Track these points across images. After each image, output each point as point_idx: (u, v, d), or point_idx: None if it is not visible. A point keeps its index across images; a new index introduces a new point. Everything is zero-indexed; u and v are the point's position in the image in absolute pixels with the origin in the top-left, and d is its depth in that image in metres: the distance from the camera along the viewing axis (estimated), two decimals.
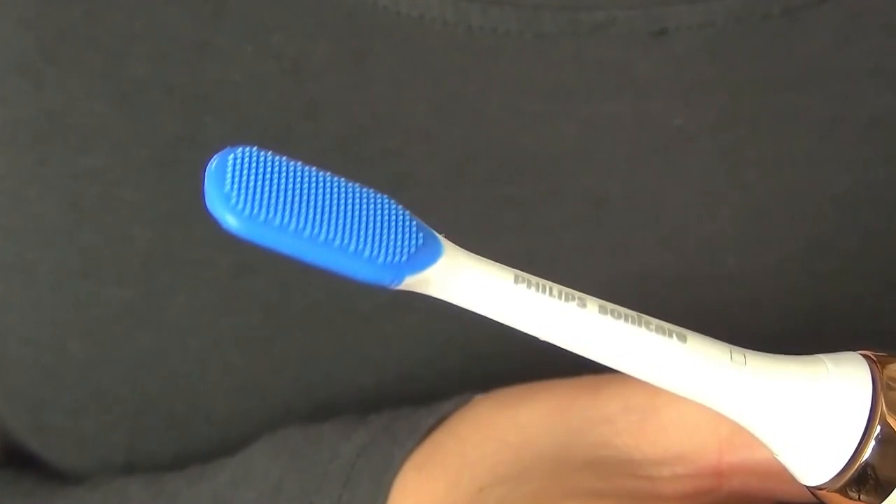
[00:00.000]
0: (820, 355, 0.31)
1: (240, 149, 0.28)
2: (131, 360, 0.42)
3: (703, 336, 0.30)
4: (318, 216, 0.27)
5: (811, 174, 0.40)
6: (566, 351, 0.30)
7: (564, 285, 0.29)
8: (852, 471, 0.30)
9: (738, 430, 0.32)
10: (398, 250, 0.28)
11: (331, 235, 0.27)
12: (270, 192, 0.27)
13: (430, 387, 0.41)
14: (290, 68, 0.40)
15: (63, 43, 0.40)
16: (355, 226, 0.27)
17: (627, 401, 0.35)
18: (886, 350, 0.31)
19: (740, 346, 0.31)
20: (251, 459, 0.40)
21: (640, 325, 0.30)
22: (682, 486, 0.35)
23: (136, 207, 0.41)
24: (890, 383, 0.30)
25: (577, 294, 0.29)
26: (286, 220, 0.27)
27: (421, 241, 0.28)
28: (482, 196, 0.40)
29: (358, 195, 0.28)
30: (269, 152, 0.28)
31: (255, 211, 0.27)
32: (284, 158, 0.28)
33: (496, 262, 0.29)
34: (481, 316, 0.30)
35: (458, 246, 0.29)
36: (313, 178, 0.28)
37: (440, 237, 0.29)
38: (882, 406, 0.30)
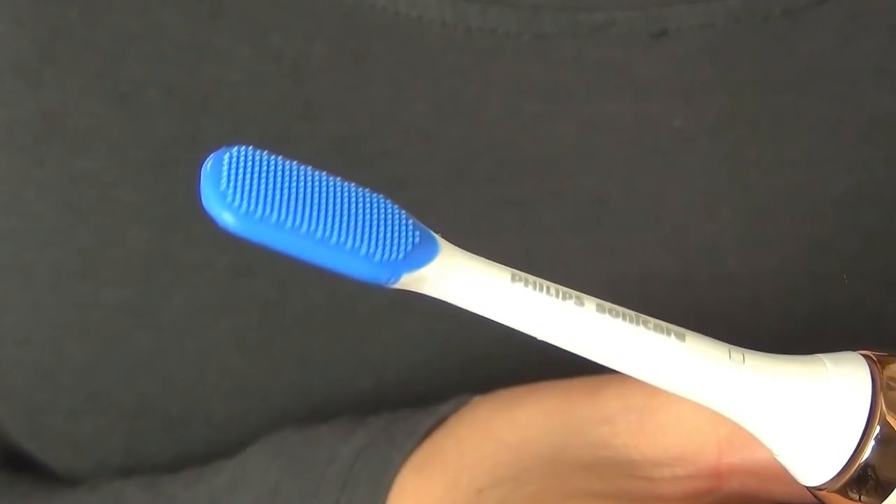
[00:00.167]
0: (819, 355, 0.31)
1: (235, 148, 0.28)
2: (129, 361, 0.42)
3: (701, 335, 0.30)
4: (314, 213, 0.27)
5: (812, 175, 0.40)
6: (565, 352, 0.30)
7: (564, 286, 0.29)
8: (852, 471, 0.30)
9: (738, 431, 0.31)
10: (395, 248, 0.28)
11: (328, 232, 0.27)
12: (266, 189, 0.27)
13: (429, 389, 0.40)
14: (289, 69, 0.40)
15: (60, 43, 0.40)
16: (352, 223, 0.27)
17: (626, 401, 0.35)
18: (886, 350, 0.31)
19: (741, 347, 0.31)
20: (249, 462, 0.40)
21: (638, 323, 0.29)
22: (681, 487, 0.35)
23: (133, 208, 0.41)
24: (890, 383, 0.30)
25: (575, 293, 0.29)
26: (283, 216, 0.27)
27: (417, 239, 0.28)
28: (482, 196, 0.40)
29: (354, 194, 0.28)
30: (265, 151, 0.28)
31: (252, 208, 0.27)
32: (280, 157, 0.28)
33: (494, 262, 0.29)
34: (480, 318, 0.29)
35: (457, 246, 0.29)
36: (309, 177, 0.28)
37: (437, 236, 0.29)
38: (882, 406, 0.30)
